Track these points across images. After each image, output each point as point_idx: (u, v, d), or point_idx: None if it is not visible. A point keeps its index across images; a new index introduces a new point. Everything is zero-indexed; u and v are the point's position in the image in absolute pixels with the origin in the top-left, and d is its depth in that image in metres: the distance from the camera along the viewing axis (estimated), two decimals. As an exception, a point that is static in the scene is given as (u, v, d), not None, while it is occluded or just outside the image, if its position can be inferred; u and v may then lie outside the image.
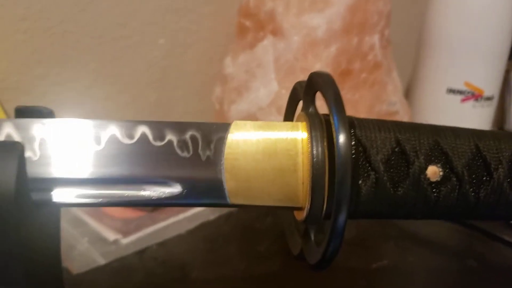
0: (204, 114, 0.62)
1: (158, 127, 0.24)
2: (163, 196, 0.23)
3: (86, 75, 0.53)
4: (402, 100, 0.50)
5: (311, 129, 0.24)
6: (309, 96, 0.25)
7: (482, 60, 0.55)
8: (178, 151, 0.24)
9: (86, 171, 0.23)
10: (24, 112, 0.24)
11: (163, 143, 0.24)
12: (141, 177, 0.23)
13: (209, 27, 0.58)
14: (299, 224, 0.26)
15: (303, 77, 0.44)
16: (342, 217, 0.20)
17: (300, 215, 0.25)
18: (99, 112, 0.56)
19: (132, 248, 0.45)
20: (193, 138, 0.24)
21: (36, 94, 0.52)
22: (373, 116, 0.45)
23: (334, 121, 0.21)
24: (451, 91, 0.55)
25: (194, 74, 0.59)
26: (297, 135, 0.24)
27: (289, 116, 0.29)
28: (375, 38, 0.46)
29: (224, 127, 0.24)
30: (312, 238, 0.25)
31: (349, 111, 0.44)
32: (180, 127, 0.24)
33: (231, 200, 0.24)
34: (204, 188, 0.23)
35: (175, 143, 0.24)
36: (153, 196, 0.23)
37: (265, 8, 0.47)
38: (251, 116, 0.47)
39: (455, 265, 0.45)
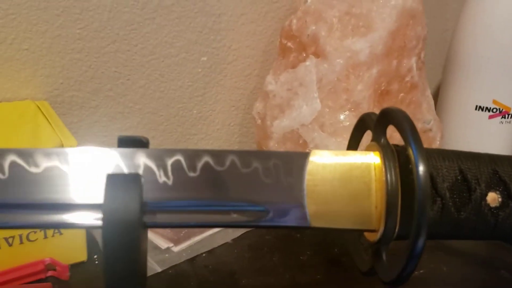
0: (242, 127, 0.65)
1: (245, 156, 0.27)
2: (250, 219, 0.26)
3: (135, 90, 0.56)
4: (435, 118, 0.52)
5: (384, 158, 0.26)
6: (381, 128, 0.28)
7: (509, 79, 0.57)
8: (263, 178, 0.27)
9: (183, 195, 0.26)
10: (127, 141, 0.27)
11: (249, 170, 0.27)
12: (231, 201, 0.26)
13: (248, 46, 0.61)
14: (368, 244, 0.29)
15: (346, 97, 0.47)
16: (421, 241, 0.23)
17: (373, 237, 0.27)
18: (146, 125, 0.59)
19: (184, 256, 0.48)
20: (276, 166, 0.27)
21: (89, 108, 0.55)
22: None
23: (413, 152, 0.24)
24: (479, 108, 0.58)
25: (233, 89, 0.62)
26: (370, 163, 0.27)
27: (353, 143, 0.32)
28: (413, 61, 0.49)
29: (304, 156, 0.27)
30: (384, 257, 0.27)
31: (388, 129, 0.47)
32: (264, 156, 0.27)
33: (312, 223, 0.26)
34: (287, 212, 0.26)
35: (260, 170, 0.27)
36: (241, 219, 0.26)
37: (307, 31, 0.50)
38: (293, 132, 0.50)
39: (488, 276, 0.47)
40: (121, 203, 0.21)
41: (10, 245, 0.42)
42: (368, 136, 0.33)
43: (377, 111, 0.48)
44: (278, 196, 0.26)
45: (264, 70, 0.63)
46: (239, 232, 0.52)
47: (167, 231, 0.51)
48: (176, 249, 0.48)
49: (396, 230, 0.26)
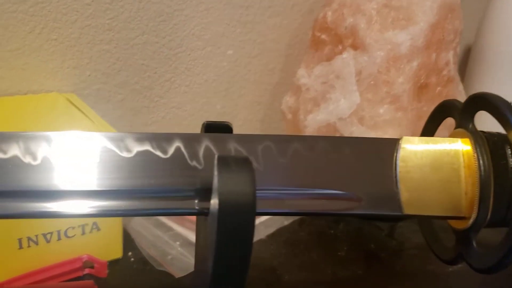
0: (264, 123, 0.64)
1: (336, 142, 0.26)
2: (343, 207, 0.25)
3: (161, 84, 0.55)
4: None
5: (475, 144, 0.26)
6: (469, 114, 0.28)
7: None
8: (354, 164, 0.26)
9: (275, 181, 0.25)
10: (212, 127, 0.26)
11: (340, 156, 0.26)
12: (323, 188, 0.25)
13: (273, 39, 0.60)
14: (453, 231, 0.28)
15: (386, 90, 0.47)
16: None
17: (461, 224, 0.27)
18: (170, 120, 0.57)
19: (222, 252, 0.46)
20: (366, 152, 0.26)
21: (115, 102, 0.53)
22: (445, 127, 0.47)
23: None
24: (505, 103, 0.58)
25: (257, 83, 0.61)
26: (459, 149, 0.27)
27: (429, 130, 0.31)
28: (450, 55, 0.49)
29: (394, 142, 0.26)
30: (474, 244, 0.27)
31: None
32: (355, 142, 0.26)
33: (405, 210, 0.26)
34: (380, 200, 0.25)
35: (351, 156, 0.26)
36: (333, 207, 0.25)
37: (345, 24, 0.49)
38: (330, 126, 0.49)
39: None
40: (237, 186, 0.20)
41: (48, 241, 0.40)
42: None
43: (416, 105, 0.47)
44: (370, 183, 0.26)
45: (288, 64, 0.62)
46: (272, 228, 0.51)
47: (200, 227, 0.49)
48: (212, 245, 0.47)
49: (488, 217, 0.25)
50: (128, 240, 0.45)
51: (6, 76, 0.47)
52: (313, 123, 0.50)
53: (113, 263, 0.43)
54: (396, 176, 0.26)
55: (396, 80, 0.47)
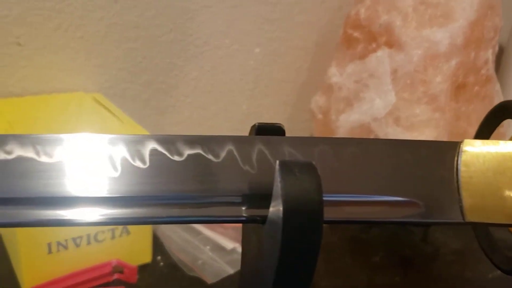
0: (290, 122, 0.62)
1: (394, 145, 0.24)
2: (401, 214, 0.24)
3: (187, 83, 0.54)
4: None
5: (543, 148, 0.24)
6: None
7: None
8: (414, 169, 0.24)
9: (332, 187, 0.23)
10: (264, 129, 0.24)
11: (399, 160, 0.24)
12: (383, 195, 0.23)
13: (300, 36, 0.58)
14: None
15: (423, 89, 0.45)
16: None
17: (528, 232, 0.25)
18: (194, 120, 0.56)
19: (253, 257, 0.45)
20: (426, 156, 0.24)
21: (140, 101, 0.52)
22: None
23: None
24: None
25: (283, 82, 0.60)
26: (524, 154, 0.25)
27: (485, 133, 0.30)
28: (489, 53, 0.47)
29: (454, 145, 0.25)
30: (542, 255, 0.25)
31: (463, 123, 0.45)
32: (413, 145, 0.24)
33: (468, 217, 0.24)
34: (441, 206, 0.24)
35: (410, 161, 0.24)
36: (391, 214, 0.24)
37: (379, 21, 0.47)
38: (364, 127, 0.47)
39: None
40: (304, 193, 0.19)
41: (77, 246, 0.39)
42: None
43: (453, 105, 0.46)
44: (430, 189, 0.24)
45: (315, 63, 0.61)
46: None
47: (228, 230, 0.48)
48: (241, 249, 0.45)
49: (558, 226, 0.24)
50: (156, 244, 0.44)
51: (30, 75, 0.45)
52: (346, 123, 0.49)
53: (142, 268, 0.42)
54: (458, 182, 0.24)
55: (433, 80, 0.45)
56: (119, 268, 0.41)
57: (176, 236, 0.45)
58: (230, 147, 0.22)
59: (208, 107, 0.56)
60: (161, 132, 0.54)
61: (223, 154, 0.22)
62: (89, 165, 0.21)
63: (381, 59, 0.47)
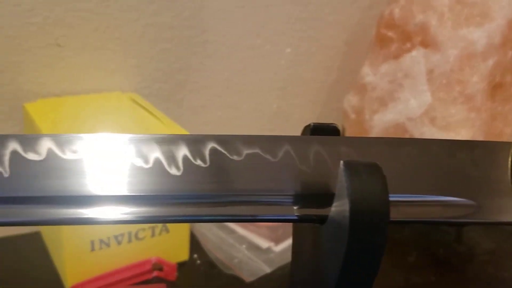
0: (320, 121, 0.62)
1: (449, 145, 0.24)
2: (459, 215, 0.24)
3: (219, 83, 0.54)
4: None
5: None
6: None
7: None
8: (469, 169, 0.24)
9: (397, 188, 0.23)
10: (319, 129, 0.25)
11: (455, 160, 0.24)
12: (440, 195, 0.24)
13: (331, 36, 0.58)
14: None
15: (459, 89, 0.45)
16: None
17: None
18: (225, 119, 0.56)
19: (288, 256, 0.45)
20: (481, 156, 0.24)
21: (174, 101, 0.52)
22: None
23: None
24: None
25: (313, 82, 0.60)
26: None
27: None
28: (526, 52, 0.47)
29: (507, 146, 0.25)
30: None
31: (499, 123, 0.44)
32: (468, 145, 0.24)
33: (522, 217, 0.24)
34: (497, 207, 0.24)
35: (466, 161, 0.24)
36: (451, 214, 0.24)
37: (414, 21, 0.47)
38: (398, 126, 0.47)
39: None
40: (370, 194, 0.19)
41: (119, 243, 0.39)
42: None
43: (490, 105, 0.45)
44: (486, 189, 0.24)
45: (345, 62, 0.61)
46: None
47: (262, 228, 0.48)
48: (277, 248, 0.46)
49: None
50: (192, 242, 0.45)
51: (69, 75, 0.46)
52: (381, 123, 0.49)
53: (179, 266, 0.42)
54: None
55: (470, 79, 0.45)
56: (158, 266, 0.41)
57: (211, 234, 0.46)
58: (287, 147, 0.23)
59: (239, 107, 0.56)
60: (193, 131, 0.54)
61: (280, 154, 0.22)
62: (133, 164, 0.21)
63: (416, 59, 0.47)
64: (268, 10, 0.53)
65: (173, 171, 0.22)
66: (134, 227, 0.39)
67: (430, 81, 0.46)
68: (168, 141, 0.22)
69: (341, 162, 0.20)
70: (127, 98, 0.47)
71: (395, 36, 0.49)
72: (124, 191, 0.20)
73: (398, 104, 0.48)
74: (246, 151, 0.22)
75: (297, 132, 0.61)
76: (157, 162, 0.21)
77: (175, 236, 0.42)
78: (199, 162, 0.22)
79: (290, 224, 0.46)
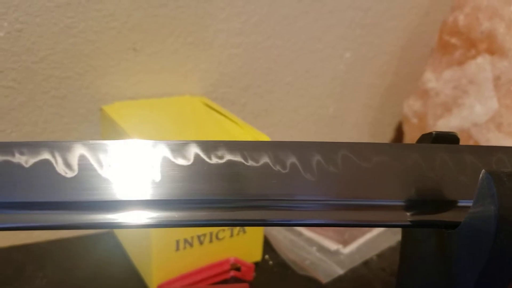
0: (372, 126, 0.63)
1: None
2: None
3: (281, 87, 0.55)
4: None
5: None
6: None
7: None
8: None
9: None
10: (440, 137, 0.26)
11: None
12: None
13: (388, 42, 0.59)
14: None
15: (528, 96, 0.45)
16: None
17: None
18: (285, 124, 0.57)
19: (358, 258, 0.46)
20: None
21: (238, 105, 0.53)
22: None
23: None
24: None
25: (370, 86, 0.61)
26: None
27: None
28: None
29: None
30: None
31: None
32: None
33: None
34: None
35: None
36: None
37: (481, 28, 0.48)
38: (463, 132, 0.48)
39: None
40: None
41: (201, 243, 0.40)
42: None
43: (558, 111, 0.46)
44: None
45: (401, 67, 0.61)
46: (399, 236, 0.50)
47: (327, 231, 0.49)
48: (345, 250, 0.47)
49: None
50: (263, 243, 0.46)
51: (144, 79, 0.47)
52: (445, 128, 0.49)
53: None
54: None
55: (539, 87, 0.45)
56: (236, 266, 0.42)
57: (282, 236, 0.47)
58: (415, 154, 0.24)
59: (298, 111, 0.57)
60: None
61: (410, 162, 0.23)
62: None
63: (482, 65, 0.47)
64: (331, 16, 0.54)
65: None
66: (215, 228, 0.40)
67: (496, 87, 0.46)
68: (301, 148, 0.23)
69: (483, 171, 0.21)
70: (199, 102, 0.48)
71: (458, 43, 0.50)
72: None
73: (462, 110, 0.48)
74: (375, 159, 0.23)
75: (351, 135, 0.62)
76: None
77: (250, 237, 0.43)
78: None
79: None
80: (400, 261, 0.29)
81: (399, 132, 0.65)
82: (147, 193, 0.21)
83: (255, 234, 0.43)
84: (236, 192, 0.21)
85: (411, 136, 0.54)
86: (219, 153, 0.22)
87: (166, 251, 0.39)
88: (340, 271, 0.44)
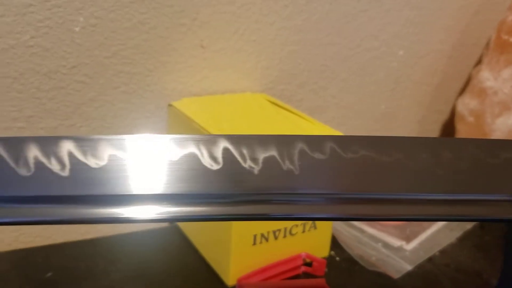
0: (421, 124, 0.64)
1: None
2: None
3: (336, 84, 0.55)
4: None
5: None
6: None
7: None
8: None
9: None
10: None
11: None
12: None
13: (440, 39, 0.60)
14: None
15: None
16: None
17: None
18: (339, 120, 0.58)
19: (422, 254, 0.46)
20: None
21: (294, 102, 0.54)
22: None
23: None
24: None
25: (419, 84, 0.61)
26: None
27: None
28: None
29: None
30: None
31: None
32: None
33: None
34: None
35: None
36: None
37: (542, 27, 0.48)
38: (523, 130, 0.48)
39: None
40: None
41: (275, 238, 0.41)
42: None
43: None
44: None
45: (450, 66, 0.62)
46: (457, 232, 0.51)
47: (387, 227, 0.49)
48: (408, 247, 0.47)
49: None
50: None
51: (209, 75, 0.48)
52: (504, 126, 0.50)
53: (321, 262, 0.44)
54: None
55: None
56: (307, 261, 0.43)
57: (346, 232, 0.47)
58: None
59: (351, 107, 0.58)
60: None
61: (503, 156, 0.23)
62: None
63: (545, 64, 0.48)
64: (388, 14, 0.54)
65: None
66: (289, 223, 0.41)
67: (561, 86, 0.47)
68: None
69: None
70: (263, 98, 0.48)
71: (519, 42, 0.50)
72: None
73: (524, 108, 0.49)
74: (505, 155, 0.23)
75: (399, 132, 0.62)
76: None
77: (320, 233, 0.43)
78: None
79: (417, 222, 0.47)
80: (505, 256, 0.30)
81: (446, 129, 0.65)
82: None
83: (324, 230, 0.44)
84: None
85: (465, 134, 0.54)
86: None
87: (244, 245, 0.39)
88: (408, 267, 0.44)
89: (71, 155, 0.20)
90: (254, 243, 0.40)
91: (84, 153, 0.20)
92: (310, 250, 0.43)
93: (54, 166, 0.20)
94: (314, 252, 0.43)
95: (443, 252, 0.47)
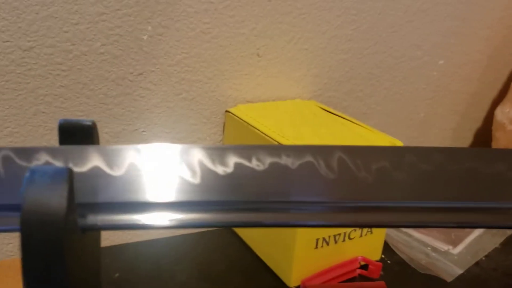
0: (455, 131, 0.65)
1: None
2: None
3: (380, 92, 0.57)
4: None
5: None
6: None
7: None
8: None
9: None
10: None
11: None
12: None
13: (478, 50, 0.61)
14: None
15: None
16: None
17: None
18: (381, 127, 0.59)
19: (470, 259, 0.48)
20: None
21: (340, 108, 0.55)
22: None
23: None
24: None
25: (456, 93, 0.63)
26: None
27: None
28: None
29: None
30: None
31: None
32: None
33: None
34: None
35: None
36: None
37: None
38: None
39: None
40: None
41: (335, 242, 0.42)
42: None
43: None
44: None
45: (486, 75, 0.63)
46: (499, 237, 0.52)
47: (436, 233, 0.51)
48: (455, 251, 0.49)
49: None
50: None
51: (263, 83, 0.49)
52: (546, 135, 0.51)
53: (374, 265, 0.45)
54: None
55: None
56: (363, 264, 0.44)
57: (396, 236, 0.49)
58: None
59: (393, 114, 0.59)
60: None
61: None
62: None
63: None
64: (431, 25, 0.56)
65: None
66: (348, 228, 0.42)
67: None
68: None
69: None
70: (314, 105, 0.50)
71: (562, 53, 0.52)
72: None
73: None
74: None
75: (435, 140, 0.64)
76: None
77: (375, 237, 0.45)
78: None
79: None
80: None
81: (480, 137, 0.66)
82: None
83: (379, 234, 0.45)
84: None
85: (505, 142, 0.56)
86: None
87: (307, 248, 0.41)
88: (459, 271, 0.45)
89: (201, 163, 0.22)
90: (316, 247, 0.41)
91: (213, 161, 0.22)
92: (364, 254, 0.44)
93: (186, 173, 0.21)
94: (368, 256, 0.45)
95: (488, 256, 0.49)
